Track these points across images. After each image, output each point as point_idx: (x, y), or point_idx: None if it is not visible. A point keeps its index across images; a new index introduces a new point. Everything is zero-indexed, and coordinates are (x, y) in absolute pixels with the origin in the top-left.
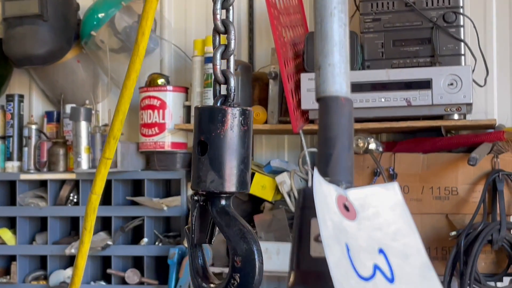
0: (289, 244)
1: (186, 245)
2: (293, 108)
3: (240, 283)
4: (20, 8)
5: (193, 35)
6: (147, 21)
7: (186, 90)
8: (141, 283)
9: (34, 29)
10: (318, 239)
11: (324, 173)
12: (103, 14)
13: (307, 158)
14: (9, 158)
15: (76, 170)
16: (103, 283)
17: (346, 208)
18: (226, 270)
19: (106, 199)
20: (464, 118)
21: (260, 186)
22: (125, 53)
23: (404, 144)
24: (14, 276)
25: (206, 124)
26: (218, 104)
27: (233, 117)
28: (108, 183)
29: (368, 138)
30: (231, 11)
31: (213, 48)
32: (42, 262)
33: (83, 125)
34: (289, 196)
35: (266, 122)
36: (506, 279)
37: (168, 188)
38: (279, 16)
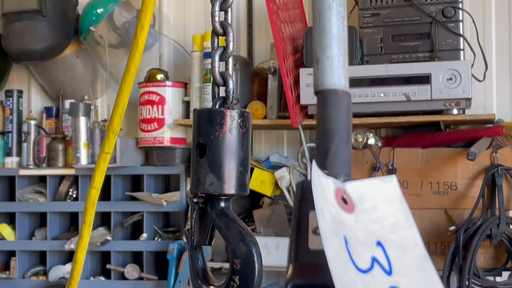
0: (288, 239)
1: (185, 238)
2: (292, 103)
3: (240, 285)
4: (19, 3)
5: (192, 31)
6: (146, 15)
7: (185, 86)
8: (141, 278)
9: (33, 24)
10: (316, 231)
11: (322, 166)
12: (102, 10)
13: (306, 153)
14: (8, 153)
15: (75, 165)
16: (102, 278)
17: (344, 201)
18: (225, 265)
19: (105, 195)
20: (463, 113)
21: (259, 181)
22: (124, 48)
23: (403, 139)
24: (13, 272)
25: (204, 127)
26: (217, 106)
27: (231, 119)
28: (107, 179)
29: (367, 133)
30: (229, 13)
31: (212, 50)
32: (41, 257)
33: (82, 120)
34: (288, 191)
35: (265, 118)
36: (505, 274)
37: (167, 184)
38: (278, 11)
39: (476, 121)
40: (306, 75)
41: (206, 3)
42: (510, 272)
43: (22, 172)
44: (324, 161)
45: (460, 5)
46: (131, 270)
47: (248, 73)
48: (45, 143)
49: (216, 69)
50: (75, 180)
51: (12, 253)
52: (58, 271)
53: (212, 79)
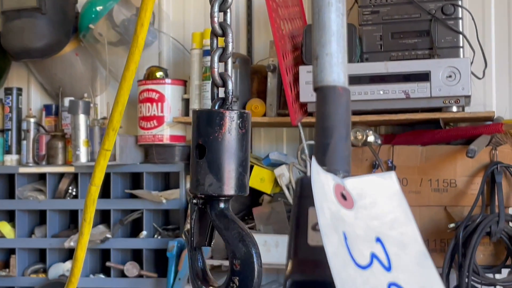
0: (287, 237)
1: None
2: (292, 101)
3: (239, 286)
4: (19, 1)
5: (192, 28)
6: (146, 12)
7: (184, 83)
8: (140, 276)
9: (32, 22)
10: (315, 227)
11: (321, 163)
12: (101, 7)
13: (306, 151)
14: (7, 151)
15: (75, 163)
16: (102, 276)
17: (344, 197)
18: (225, 263)
19: (105, 192)
20: (463, 110)
21: (259, 179)
22: (123, 46)
23: (403, 137)
24: (13, 269)
25: (204, 128)
26: (216, 107)
27: (231, 120)
28: (107, 176)
29: (367, 131)
30: (228, 14)
31: (211, 51)
32: (41, 255)
33: (82, 118)
34: (288, 188)
35: (264, 115)
36: (505, 271)
37: (167, 181)
38: (278, 8)
39: (476, 119)
40: (305, 73)
41: (205, 0)
42: (509, 269)
43: (22, 170)
44: (323, 157)
45: (460, 3)
46: (130, 268)
47: (247, 70)
48: (44, 140)
49: (215, 70)
50: (74, 177)
51: (11, 251)
52: (58, 269)
53: (211, 79)
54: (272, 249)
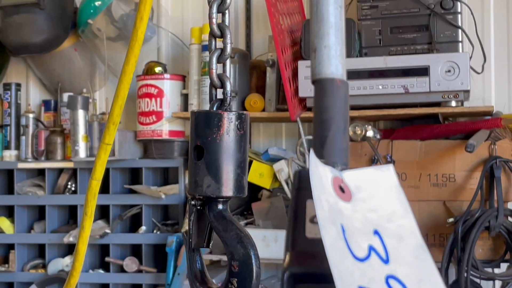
0: None
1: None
2: (291, 96)
3: None
4: None
5: (190, 23)
6: (145, 5)
7: (183, 78)
8: (140, 271)
9: (31, 17)
10: (313, 220)
11: (319, 155)
12: (99, 2)
13: (305, 146)
14: (6, 147)
15: (74, 158)
16: (101, 271)
17: (342, 189)
18: (224, 257)
19: (104, 188)
20: (462, 105)
21: (258, 174)
22: (122, 41)
23: (402, 132)
24: (12, 265)
25: (202, 129)
26: (214, 109)
27: (229, 121)
28: (106, 172)
29: (366, 126)
30: (227, 15)
31: (209, 52)
32: (40, 250)
33: (81, 113)
34: (287, 183)
35: (263, 110)
36: (503, 265)
37: (166, 176)
38: (276, 3)
39: (475, 113)
40: (304, 68)
41: None
42: (508, 263)
43: (21, 165)
44: (321, 149)
45: None
46: (130, 263)
47: (246, 65)
48: (43, 136)
49: (214, 71)
50: (73, 173)
51: (11, 246)
52: (57, 264)
53: (209, 81)
54: (271, 244)
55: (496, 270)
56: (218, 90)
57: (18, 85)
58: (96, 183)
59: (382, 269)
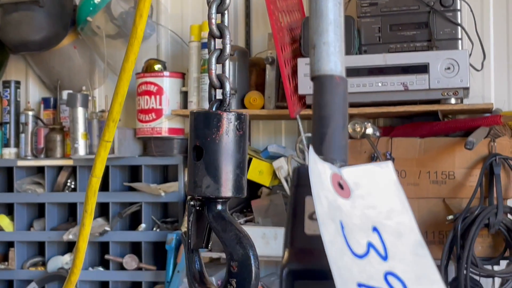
0: None
1: (183, 229)
2: (290, 93)
3: None
4: None
5: (190, 21)
6: (144, 3)
7: (183, 76)
8: (139, 268)
9: (30, 15)
10: (312, 217)
11: (318, 152)
12: (99, 0)
13: (304, 143)
14: (6, 144)
15: (73, 156)
16: (101, 269)
17: (341, 186)
18: (224, 255)
19: (103, 185)
20: (461, 102)
21: (258, 171)
22: (121, 39)
23: (401, 129)
24: (12, 263)
25: (201, 129)
26: (214, 109)
27: (228, 122)
28: (106, 169)
29: (365, 123)
30: (226, 15)
31: (208, 53)
32: (40, 248)
33: (80, 111)
34: (287, 181)
35: (263, 108)
36: (503, 263)
37: (166, 174)
38: (276, 0)
39: (474, 111)
40: (304, 65)
41: None
42: (507, 261)
43: (20, 163)
44: (320, 146)
45: None
46: (129, 261)
47: (246, 63)
48: (43, 134)
49: (213, 71)
50: (73, 170)
51: (10, 244)
52: (57, 262)
53: (208, 81)
54: (271, 241)
55: (496, 267)
56: (217, 90)
57: (18, 83)
58: (96, 180)
59: (381, 265)
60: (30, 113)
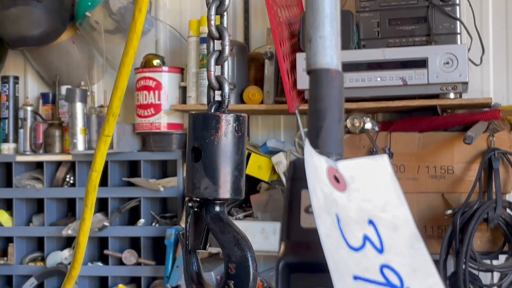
0: None
1: (182, 225)
2: (289, 88)
3: None
4: None
5: (188, 16)
6: None
7: (181, 71)
8: (138, 263)
9: (28, 10)
10: (308, 210)
11: (314, 145)
12: None
13: (303, 138)
14: (4, 140)
15: (72, 151)
16: (100, 264)
17: (337, 179)
18: None
19: (102, 180)
20: (460, 97)
21: (257, 167)
22: (120, 34)
23: (400, 124)
24: (11, 258)
25: (200, 131)
26: (212, 110)
27: (227, 123)
28: (105, 164)
29: (364, 118)
30: (225, 17)
31: (207, 54)
32: (39, 243)
33: (79, 106)
34: (285, 176)
35: (262, 103)
36: (502, 257)
37: (164, 169)
38: None
39: (473, 105)
40: (302, 60)
41: None
42: (506, 255)
43: (19, 158)
44: (316, 139)
45: None
46: (128, 256)
47: (244, 58)
48: (41, 129)
49: (212, 73)
50: (72, 166)
51: (9, 239)
52: (56, 257)
53: (207, 82)
54: (270, 236)
55: (495, 262)
56: (216, 91)
57: (16, 78)
58: (96, 174)
59: (376, 258)
60: (29, 108)
